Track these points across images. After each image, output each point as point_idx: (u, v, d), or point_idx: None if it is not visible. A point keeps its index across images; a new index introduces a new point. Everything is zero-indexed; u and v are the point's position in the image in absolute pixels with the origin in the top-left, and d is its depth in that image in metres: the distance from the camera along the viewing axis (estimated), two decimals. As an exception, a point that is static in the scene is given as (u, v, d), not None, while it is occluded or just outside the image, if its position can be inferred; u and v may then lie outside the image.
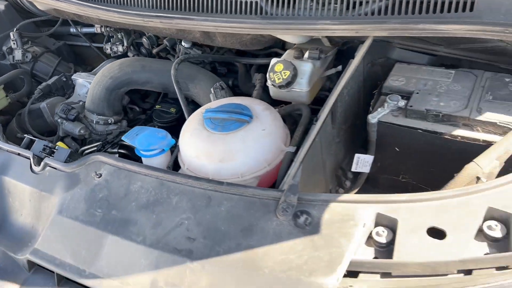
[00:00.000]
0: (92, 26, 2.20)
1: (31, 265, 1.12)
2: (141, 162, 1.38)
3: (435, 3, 1.19)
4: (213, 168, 1.25)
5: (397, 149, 1.31)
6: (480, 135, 1.16)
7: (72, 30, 2.34)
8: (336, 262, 0.85)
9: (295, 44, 1.60)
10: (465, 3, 1.16)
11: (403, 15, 1.22)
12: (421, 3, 1.20)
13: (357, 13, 1.28)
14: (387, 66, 1.48)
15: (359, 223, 0.90)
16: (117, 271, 0.98)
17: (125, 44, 2.05)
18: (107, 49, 2.10)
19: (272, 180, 1.28)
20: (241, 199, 1.01)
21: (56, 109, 1.82)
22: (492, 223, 0.86)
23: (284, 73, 1.41)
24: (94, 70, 2.09)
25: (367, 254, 0.89)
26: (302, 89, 1.44)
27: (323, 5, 1.31)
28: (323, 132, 1.24)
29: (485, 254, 0.84)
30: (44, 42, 2.35)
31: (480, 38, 1.19)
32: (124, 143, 1.52)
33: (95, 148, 1.67)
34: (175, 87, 1.63)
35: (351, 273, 0.87)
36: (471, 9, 1.16)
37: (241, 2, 1.40)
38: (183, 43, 1.83)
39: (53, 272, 1.07)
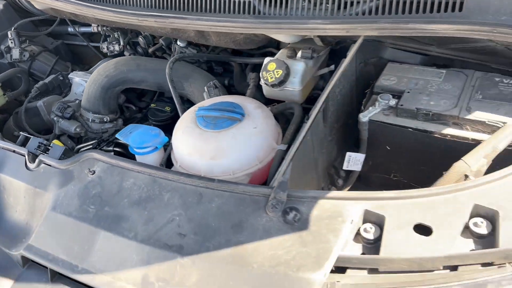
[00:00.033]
0: (89, 25, 2.21)
1: (25, 260, 1.14)
2: (135, 159, 1.40)
3: (425, 3, 1.20)
4: (205, 166, 1.26)
5: (388, 148, 1.32)
6: (469, 134, 1.18)
7: (70, 29, 2.35)
8: (323, 258, 0.86)
9: (289, 43, 1.61)
10: (454, 3, 1.17)
11: (393, 15, 1.24)
12: (411, 3, 1.21)
13: (348, 13, 1.29)
14: (379, 66, 1.49)
15: (347, 220, 0.91)
16: (109, 267, 1.00)
17: (122, 43, 2.06)
18: (103, 48, 2.11)
19: (264, 178, 1.29)
20: (232, 196, 1.02)
21: (52, 107, 1.83)
22: (478, 220, 0.87)
23: (276, 72, 1.42)
24: (91, 69, 2.10)
25: (355, 250, 0.90)
26: (294, 88, 1.45)
27: (315, 5, 1.33)
28: (315, 130, 1.25)
29: (471, 250, 0.85)
30: (42, 41, 2.36)
31: (470, 38, 1.20)
32: (120, 141, 1.54)
33: (91, 146, 1.68)
34: (170, 86, 1.64)
35: (339, 269, 0.88)
36: (460, 9, 1.17)
37: (234, 2, 1.42)
38: (178, 42, 1.84)
39: (47, 268, 1.08)
